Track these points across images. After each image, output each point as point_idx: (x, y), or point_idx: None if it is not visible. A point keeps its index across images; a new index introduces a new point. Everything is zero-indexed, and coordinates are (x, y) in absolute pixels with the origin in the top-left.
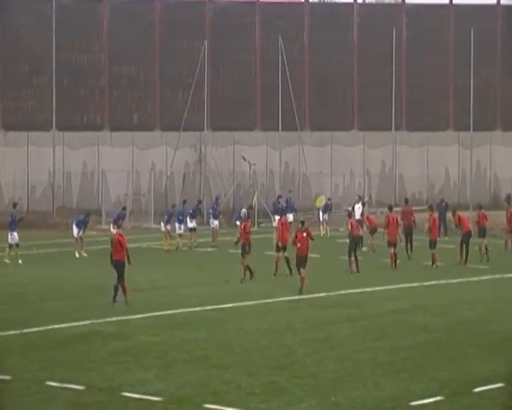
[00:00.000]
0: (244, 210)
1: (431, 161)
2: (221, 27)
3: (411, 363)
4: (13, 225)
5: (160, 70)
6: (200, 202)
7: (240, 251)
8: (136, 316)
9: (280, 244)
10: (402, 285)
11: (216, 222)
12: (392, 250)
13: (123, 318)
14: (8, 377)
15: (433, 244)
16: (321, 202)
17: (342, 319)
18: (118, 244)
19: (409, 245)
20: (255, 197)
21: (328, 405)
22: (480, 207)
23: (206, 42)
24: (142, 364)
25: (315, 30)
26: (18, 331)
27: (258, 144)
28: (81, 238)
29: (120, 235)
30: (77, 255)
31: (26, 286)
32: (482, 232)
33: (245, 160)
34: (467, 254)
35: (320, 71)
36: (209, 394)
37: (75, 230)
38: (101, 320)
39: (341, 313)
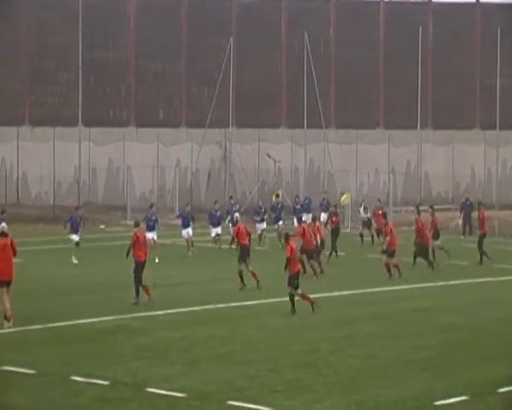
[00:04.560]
0: (237, 215)
1: (456, 160)
2: (247, 24)
3: (435, 362)
4: (75, 225)
5: (186, 66)
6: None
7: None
8: (162, 312)
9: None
10: (426, 284)
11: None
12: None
13: (148, 313)
14: (32, 372)
15: (424, 251)
16: (346, 200)
17: (366, 318)
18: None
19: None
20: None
21: (351, 403)
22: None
23: (232, 38)
24: (166, 359)
25: (341, 27)
26: (43, 326)
27: (284, 141)
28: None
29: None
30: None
31: (51, 280)
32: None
33: (270, 157)
34: (481, 255)
35: (346, 68)
36: (233, 390)
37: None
38: (127, 316)
39: (365, 311)
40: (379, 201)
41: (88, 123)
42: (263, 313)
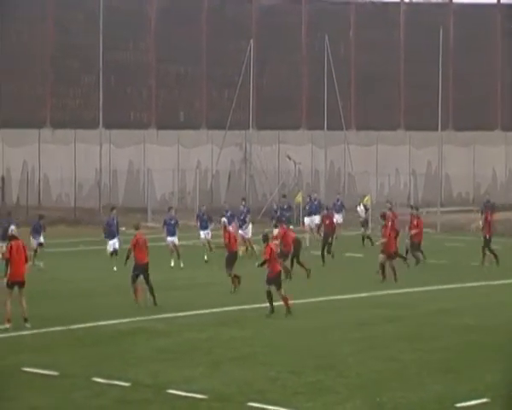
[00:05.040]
0: (224, 219)
1: (478, 161)
2: (267, 26)
3: (456, 364)
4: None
5: (207, 69)
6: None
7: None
8: (183, 313)
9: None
10: (445, 286)
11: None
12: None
13: (170, 315)
14: (54, 373)
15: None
16: (367, 202)
17: (386, 319)
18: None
19: None
20: (299, 197)
21: (373, 405)
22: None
23: (252, 41)
24: (188, 361)
25: (361, 28)
26: (65, 327)
27: (304, 143)
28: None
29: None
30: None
31: (73, 282)
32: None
33: (290, 159)
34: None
35: (366, 70)
36: (254, 392)
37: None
38: (148, 317)
39: (386, 313)
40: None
41: (109, 125)
42: (284, 314)
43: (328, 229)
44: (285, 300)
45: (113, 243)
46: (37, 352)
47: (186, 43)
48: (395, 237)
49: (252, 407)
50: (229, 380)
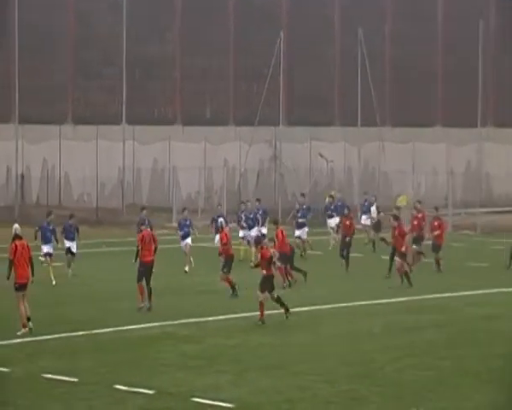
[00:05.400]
0: (221, 220)
1: None
2: (298, 17)
3: (500, 373)
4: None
5: (234, 62)
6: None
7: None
8: (210, 318)
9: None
10: (486, 291)
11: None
12: None
13: (195, 320)
14: (75, 380)
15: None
16: (403, 201)
17: (425, 325)
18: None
19: None
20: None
21: None
22: None
23: (282, 32)
24: (214, 368)
25: (397, 21)
26: (85, 332)
27: (336, 140)
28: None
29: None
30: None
31: (96, 285)
32: None
33: (322, 156)
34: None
35: (402, 64)
36: (283, 401)
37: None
38: (173, 322)
39: (424, 318)
40: (419, 202)
41: (132, 121)
42: (316, 320)
43: (347, 230)
44: (262, 306)
45: (187, 242)
46: (57, 357)
47: (213, 34)
48: (402, 237)
49: None
50: (257, 389)
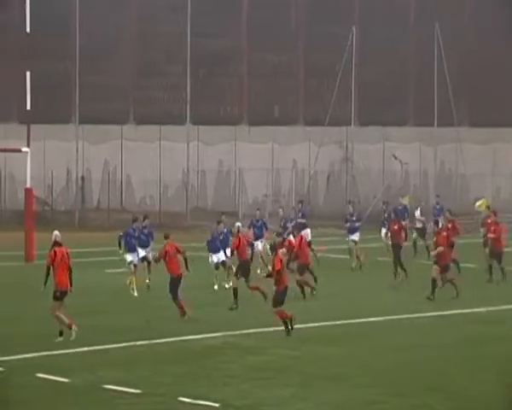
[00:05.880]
0: (238, 224)
1: None
2: (371, 11)
3: None
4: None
5: (304, 58)
6: None
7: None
8: (274, 329)
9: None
10: None
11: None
12: None
13: (260, 330)
14: (137, 391)
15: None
16: (482, 206)
17: (495, 338)
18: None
19: None
20: (407, 200)
21: None
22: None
23: (354, 27)
24: (279, 381)
25: (477, 14)
26: (147, 342)
27: (411, 141)
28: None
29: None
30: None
31: (157, 292)
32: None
33: (396, 158)
34: None
35: (481, 60)
36: None
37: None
38: (236, 332)
39: (501, 329)
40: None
41: (196, 121)
42: (384, 330)
43: (396, 236)
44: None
45: (218, 256)
46: (118, 368)
47: (281, 29)
48: (450, 247)
49: None
50: (321, 402)
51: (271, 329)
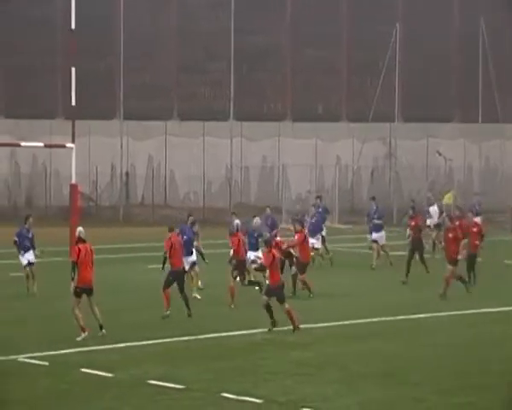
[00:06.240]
0: (237, 222)
1: None
2: (415, 8)
3: None
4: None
5: (348, 54)
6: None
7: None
8: (319, 325)
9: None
10: None
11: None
12: None
13: (303, 326)
14: (181, 387)
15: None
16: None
17: None
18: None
19: None
20: (451, 197)
21: None
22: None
23: (398, 24)
24: (323, 377)
25: None
26: (188, 337)
27: (455, 137)
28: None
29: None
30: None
31: (200, 290)
32: None
33: (440, 154)
34: None
35: None
36: None
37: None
38: (279, 328)
39: None
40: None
41: (240, 117)
42: (431, 327)
43: (414, 233)
44: (290, 315)
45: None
46: (162, 363)
47: (325, 25)
48: (456, 242)
49: None
50: (367, 399)
51: (314, 325)
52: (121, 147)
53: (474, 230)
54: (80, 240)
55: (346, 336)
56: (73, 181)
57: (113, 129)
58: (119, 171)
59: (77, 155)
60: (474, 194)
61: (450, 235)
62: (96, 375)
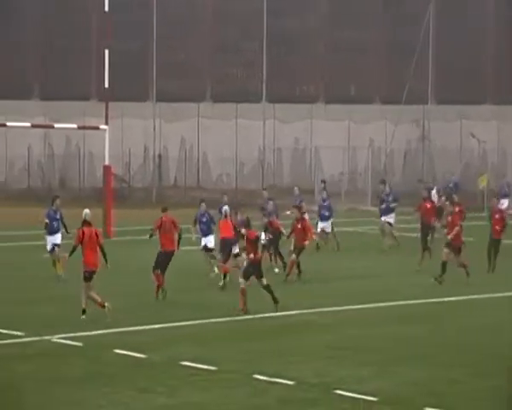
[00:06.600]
0: (226, 207)
1: None
2: None
3: None
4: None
5: (381, 36)
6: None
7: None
8: (352, 307)
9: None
10: None
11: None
12: None
13: (337, 308)
14: (214, 368)
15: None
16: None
17: None
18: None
19: None
20: (485, 180)
21: None
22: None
23: (431, 4)
24: (356, 359)
25: None
26: (221, 319)
27: (489, 119)
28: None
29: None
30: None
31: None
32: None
33: (474, 137)
34: None
35: None
36: (430, 395)
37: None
38: (312, 310)
39: None
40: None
41: (272, 99)
42: (463, 310)
43: (428, 216)
44: (269, 289)
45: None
46: (195, 344)
47: (358, 5)
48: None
49: None
50: (401, 381)
51: (350, 307)
52: (154, 129)
53: (497, 216)
54: (86, 222)
55: (380, 318)
56: (107, 163)
57: (145, 111)
58: (151, 153)
59: (110, 137)
60: (503, 175)
61: (450, 219)
62: (130, 356)
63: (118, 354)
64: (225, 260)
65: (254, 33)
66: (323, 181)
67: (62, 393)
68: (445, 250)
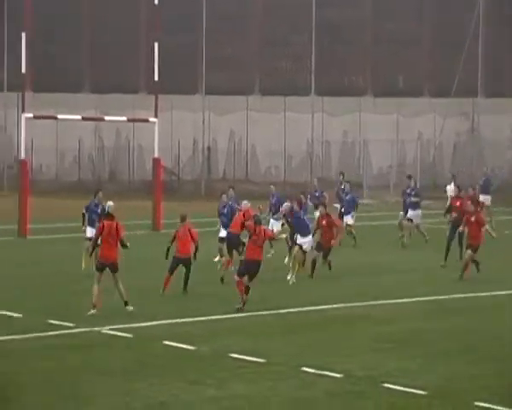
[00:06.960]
0: (245, 202)
1: None
2: None
3: None
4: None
5: (430, 28)
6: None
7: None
8: (405, 300)
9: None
10: None
11: None
12: None
13: (390, 301)
14: (262, 360)
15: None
16: None
17: None
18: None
19: None
20: None
21: None
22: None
23: None
24: (406, 352)
25: None
26: (270, 312)
27: None
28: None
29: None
30: None
31: (276, 263)
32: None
33: None
34: None
35: None
36: (480, 389)
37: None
38: (363, 303)
39: None
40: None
41: (321, 92)
42: (510, 304)
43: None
44: (247, 290)
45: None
46: (243, 336)
47: None
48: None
49: (478, 406)
50: (451, 375)
51: (399, 301)
52: (203, 122)
53: None
54: (108, 215)
55: (429, 311)
56: (156, 155)
57: (195, 104)
58: (200, 145)
59: (159, 130)
60: (485, 168)
61: (473, 219)
62: (179, 347)
63: (167, 345)
64: (230, 260)
65: (302, 26)
66: (342, 173)
67: (111, 384)
68: (469, 252)
